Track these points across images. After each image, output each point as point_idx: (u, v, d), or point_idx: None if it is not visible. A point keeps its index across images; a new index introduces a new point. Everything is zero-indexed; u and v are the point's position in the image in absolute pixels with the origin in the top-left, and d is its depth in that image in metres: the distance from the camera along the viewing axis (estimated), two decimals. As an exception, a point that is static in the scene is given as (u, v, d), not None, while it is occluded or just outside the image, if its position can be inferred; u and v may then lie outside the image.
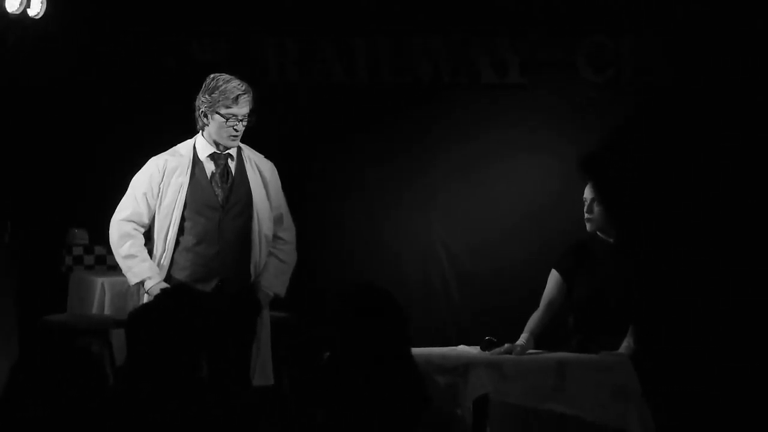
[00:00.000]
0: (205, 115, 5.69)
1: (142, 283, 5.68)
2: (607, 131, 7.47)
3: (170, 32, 7.73)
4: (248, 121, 5.71)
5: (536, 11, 7.56)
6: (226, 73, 5.78)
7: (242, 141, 5.86)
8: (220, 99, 5.64)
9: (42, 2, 7.03)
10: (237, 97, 5.63)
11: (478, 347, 5.86)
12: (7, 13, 6.92)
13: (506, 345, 5.78)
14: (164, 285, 5.59)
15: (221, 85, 5.66)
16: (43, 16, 7.06)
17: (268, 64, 7.77)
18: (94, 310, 7.09)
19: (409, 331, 3.72)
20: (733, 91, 7.38)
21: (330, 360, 3.69)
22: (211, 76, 5.75)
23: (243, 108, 5.66)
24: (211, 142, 5.75)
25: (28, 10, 6.99)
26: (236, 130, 5.68)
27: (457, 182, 7.76)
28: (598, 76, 7.60)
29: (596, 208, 5.92)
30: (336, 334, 3.65)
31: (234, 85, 5.66)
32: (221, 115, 5.65)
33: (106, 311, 7.02)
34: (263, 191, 5.80)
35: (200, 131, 5.78)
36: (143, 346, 3.87)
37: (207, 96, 5.66)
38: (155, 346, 3.85)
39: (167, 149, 5.82)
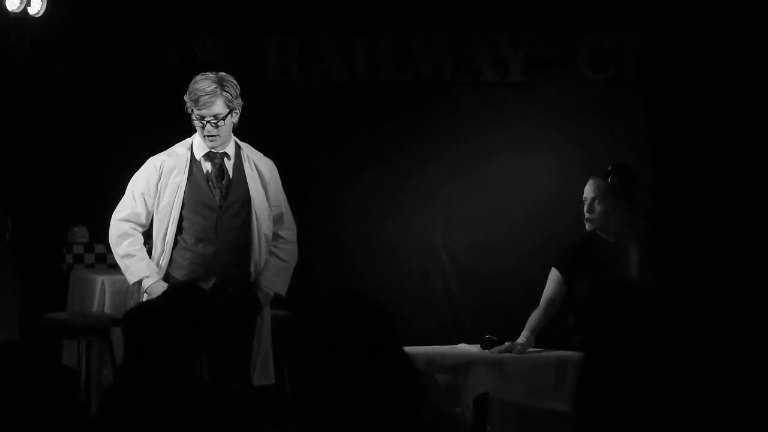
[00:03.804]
0: (189, 115, 5.68)
1: (140, 282, 5.68)
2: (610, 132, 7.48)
3: (171, 31, 7.72)
4: (220, 123, 5.62)
5: (537, 9, 7.56)
6: (226, 71, 5.76)
7: (242, 139, 5.85)
8: (190, 100, 5.63)
9: (42, 1, 7.03)
10: (198, 99, 5.58)
11: (479, 346, 5.86)
12: (8, 11, 6.92)
13: (506, 343, 5.78)
14: (162, 284, 5.59)
15: (191, 86, 5.63)
16: (43, 14, 7.06)
17: (268, 62, 7.76)
18: (95, 308, 7.09)
19: (395, 328, 3.71)
20: (737, 88, 7.39)
21: (319, 363, 3.68)
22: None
23: (207, 109, 5.59)
24: None
25: (29, 9, 7.00)
26: (209, 131, 5.64)
27: (458, 181, 7.75)
28: (598, 74, 7.59)
29: (597, 207, 5.92)
30: (318, 341, 3.65)
31: (200, 86, 5.60)
32: (193, 116, 5.65)
33: (107, 309, 7.02)
34: (262, 190, 5.79)
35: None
36: (139, 344, 3.87)
37: (186, 96, 5.66)
38: (150, 345, 3.85)
39: (167, 148, 5.82)
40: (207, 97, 5.58)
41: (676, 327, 2.94)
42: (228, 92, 5.61)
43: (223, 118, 5.62)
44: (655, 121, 7.58)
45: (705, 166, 7.45)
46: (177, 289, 4.49)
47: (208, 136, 5.65)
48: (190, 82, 5.67)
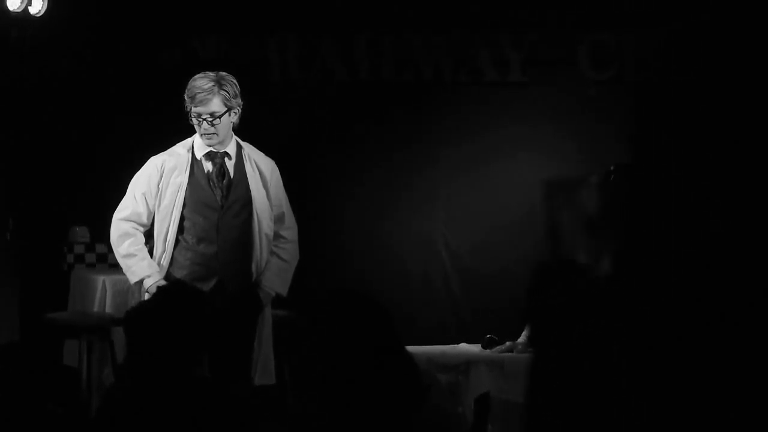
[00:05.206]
0: (188, 114, 5.69)
1: (141, 281, 5.68)
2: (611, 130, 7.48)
3: (172, 31, 7.73)
4: (216, 121, 5.63)
5: (537, 9, 7.57)
6: (227, 71, 5.77)
7: (243, 139, 5.85)
8: (188, 98, 5.64)
9: (43, 0, 7.04)
10: (195, 96, 5.59)
11: (480, 345, 5.88)
12: (9, 11, 6.93)
13: (507, 343, 5.80)
14: (163, 283, 5.58)
15: (190, 84, 5.64)
16: (44, 14, 7.06)
17: (269, 61, 7.77)
18: (95, 307, 7.09)
19: (395, 327, 3.72)
20: (737, 88, 7.39)
21: (319, 363, 3.68)
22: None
23: (204, 107, 5.60)
24: None
25: (30, 8, 7.00)
26: (205, 129, 5.65)
27: (459, 180, 7.76)
28: (599, 74, 7.60)
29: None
30: (319, 341, 3.65)
31: (198, 83, 5.61)
32: (191, 114, 5.65)
33: (107, 309, 7.02)
34: (263, 190, 5.79)
35: (197, 130, 5.78)
36: (140, 344, 3.87)
37: (185, 94, 5.67)
38: (151, 344, 3.85)
39: (168, 148, 5.82)
40: (203, 94, 5.59)
41: (649, 323, 2.96)
42: (226, 91, 5.62)
43: (220, 116, 5.63)
44: (654, 121, 7.58)
45: (705, 166, 7.44)
46: (170, 289, 4.48)
47: (204, 134, 5.66)
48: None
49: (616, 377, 2.92)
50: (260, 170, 5.82)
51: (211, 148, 5.73)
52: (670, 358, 3.05)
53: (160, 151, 5.81)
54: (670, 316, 3.16)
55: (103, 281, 7.14)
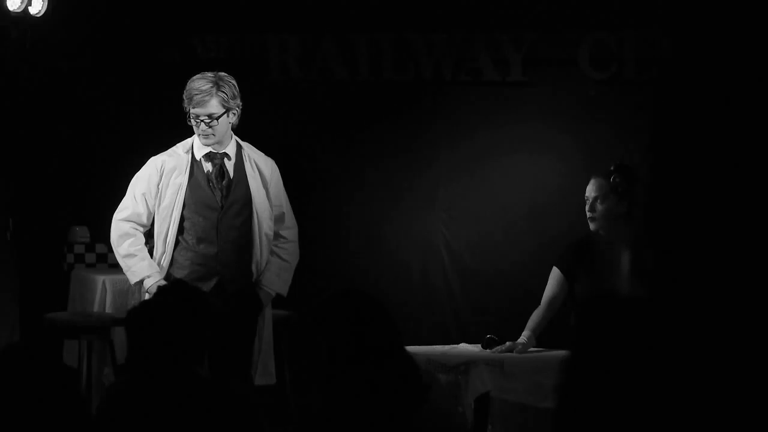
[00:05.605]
0: (186, 115, 5.70)
1: (141, 281, 5.69)
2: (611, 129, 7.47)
3: (172, 30, 7.73)
4: (213, 123, 5.62)
5: (538, 8, 7.56)
6: (226, 70, 5.77)
7: (243, 139, 5.86)
8: (186, 98, 5.65)
9: (43, 0, 7.03)
10: (192, 97, 5.60)
11: (480, 345, 5.87)
12: (9, 11, 6.93)
13: (507, 343, 5.79)
14: (164, 284, 5.59)
15: (188, 85, 5.66)
16: (44, 14, 7.06)
17: (269, 61, 7.76)
18: (96, 308, 7.09)
19: (397, 328, 3.72)
20: (739, 87, 7.37)
21: (320, 363, 3.68)
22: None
23: (202, 108, 5.60)
24: None
25: (30, 8, 7.00)
26: (203, 130, 5.64)
27: (459, 180, 7.75)
28: (599, 73, 7.59)
29: (599, 207, 5.92)
30: (320, 341, 3.65)
31: (195, 85, 5.62)
32: (189, 115, 5.65)
33: (108, 309, 7.02)
34: (263, 190, 5.80)
35: (197, 130, 5.78)
36: (142, 343, 3.87)
37: (183, 95, 5.68)
38: (153, 344, 3.85)
39: (168, 147, 5.82)
40: (201, 95, 5.59)
41: (668, 334, 2.94)
42: (224, 92, 5.62)
43: (218, 118, 5.63)
44: (655, 120, 7.57)
45: (707, 167, 7.44)
46: (174, 287, 4.47)
47: (202, 134, 5.67)
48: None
49: (645, 392, 2.90)
50: (260, 170, 5.82)
51: (210, 149, 5.73)
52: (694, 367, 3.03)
53: (160, 151, 5.82)
54: (697, 326, 3.14)
55: (103, 281, 7.15)
